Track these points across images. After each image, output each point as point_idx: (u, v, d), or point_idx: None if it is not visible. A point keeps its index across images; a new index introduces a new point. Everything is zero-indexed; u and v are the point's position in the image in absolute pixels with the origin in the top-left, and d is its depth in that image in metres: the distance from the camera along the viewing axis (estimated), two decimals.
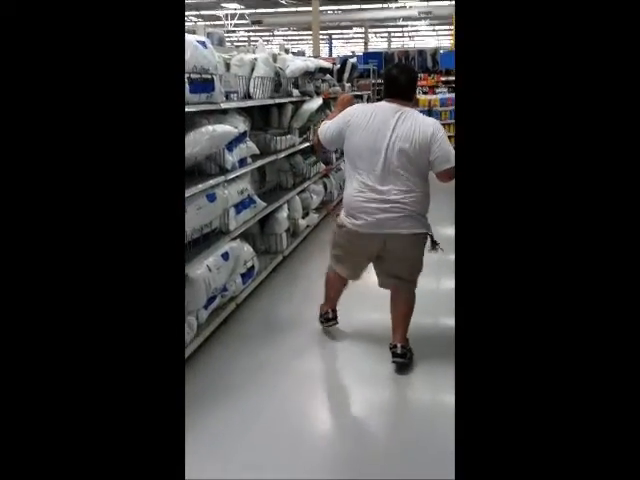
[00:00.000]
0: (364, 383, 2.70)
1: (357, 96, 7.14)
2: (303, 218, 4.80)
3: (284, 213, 4.29)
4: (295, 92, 4.54)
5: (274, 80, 4.07)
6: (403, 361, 2.68)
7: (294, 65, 4.48)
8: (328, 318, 3.08)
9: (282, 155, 4.32)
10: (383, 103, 2.64)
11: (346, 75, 6.43)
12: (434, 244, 2.69)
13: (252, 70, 3.84)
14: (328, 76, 5.64)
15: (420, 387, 2.67)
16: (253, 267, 3.60)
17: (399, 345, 2.68)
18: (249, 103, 3.68)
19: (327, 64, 5.65)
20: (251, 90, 3.75)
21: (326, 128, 2.72)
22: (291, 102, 4.57)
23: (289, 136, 4.45)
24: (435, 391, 2.61)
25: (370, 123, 2.53)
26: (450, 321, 3.31)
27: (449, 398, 2.52)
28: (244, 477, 2.01)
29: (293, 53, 6.46)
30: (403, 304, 2.74)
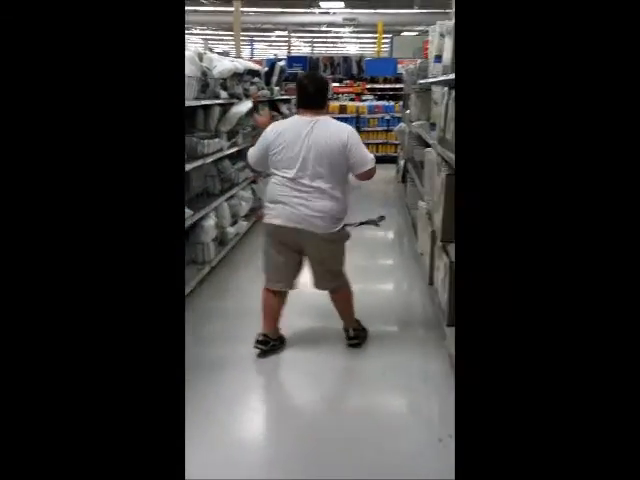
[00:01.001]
0: (303, 406, 2.60)
1: (285, 100, 6.99)
2: (232, 226, 4.60)
3: (211, 221, 4.06)
4: (223, 94, 4.32)
5: (201, 80, 3.83)
6: (357, 342, 3.02)
7: (222, 66, 4.26)
8: (258, 340, 2.90)
9: (209, 160, 4.09)
10: (296, 117, 2.80)
11: (274, 78, 6.26)
12: (374, 223, 3.05)
13: None
14: (257, 79, 5.45)
15: (358, 396, 2.58)
16: None
17: (350, 329, 3.03)
18: None
19: (256, 66, 5.47)
20: None
21: (252, 155, 2.89)
22: (218, 104, 4.35)
23: (217, 140, 4.22)
24: (371, 395, 2.54)
25: (286, 138, 2.67)
26: (384, 327, 3.25)
27: (386, 400, 2.46)
28: None
29: (218, 53, 6.20)
30: (340, 300, 3.00)
